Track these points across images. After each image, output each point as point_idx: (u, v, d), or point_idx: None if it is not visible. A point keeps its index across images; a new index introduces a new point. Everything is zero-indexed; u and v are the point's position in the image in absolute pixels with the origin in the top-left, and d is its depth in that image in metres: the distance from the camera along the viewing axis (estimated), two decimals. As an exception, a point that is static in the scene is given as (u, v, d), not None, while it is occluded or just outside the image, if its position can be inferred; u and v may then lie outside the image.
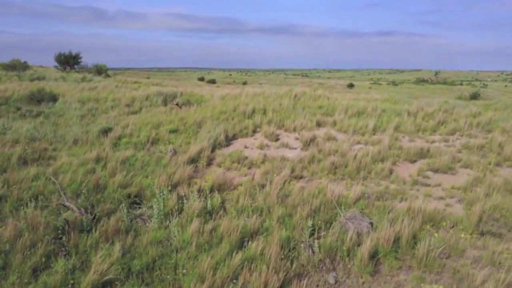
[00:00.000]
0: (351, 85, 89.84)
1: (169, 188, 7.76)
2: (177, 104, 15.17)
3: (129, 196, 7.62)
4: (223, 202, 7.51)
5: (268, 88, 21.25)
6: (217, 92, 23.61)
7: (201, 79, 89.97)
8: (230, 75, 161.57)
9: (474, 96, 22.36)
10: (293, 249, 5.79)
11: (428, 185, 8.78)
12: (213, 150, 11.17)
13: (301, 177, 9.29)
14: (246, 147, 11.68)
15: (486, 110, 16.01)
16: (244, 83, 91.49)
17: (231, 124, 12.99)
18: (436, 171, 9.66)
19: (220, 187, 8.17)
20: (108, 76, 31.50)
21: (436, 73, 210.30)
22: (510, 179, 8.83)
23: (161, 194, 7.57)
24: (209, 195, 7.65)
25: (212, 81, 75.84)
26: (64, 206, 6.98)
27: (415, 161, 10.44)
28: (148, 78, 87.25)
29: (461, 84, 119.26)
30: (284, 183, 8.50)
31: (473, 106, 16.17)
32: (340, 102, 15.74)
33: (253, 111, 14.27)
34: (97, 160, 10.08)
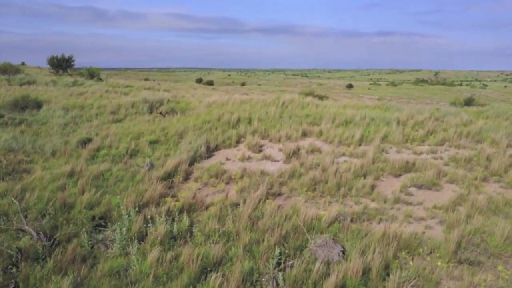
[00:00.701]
0: (350, 86, 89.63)
1: (137, 208, 7.43)
2: (160, 113, 14.84)
3: (93, 218, 7.28)
4: (191, 225, 7.17)
5: (256, 95, 20.92)
6: (207, 98, 23.28)
7: (199, 80, 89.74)
8: (229, 75, 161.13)
9: (469, 102, 22.03)
10: (256, 282, 5.45)
11: (410, 204, 8.43)
12: (192, 163, 10.84)
13: (279, 194, 8.95)
14: (227, 159, 11.35)
15: (478, 118, 15.64)
16: (243, 84, 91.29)
17: (214, 134, 12.66)
18: (420, 187, 9.32)
19: (191, 208, 7.83)
20: (100, 79, 31.16)
21: (436, 73, 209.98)
22: (495, 196, 8.48)
23: (128, 216, 7.25)
24: (178, 217, 7.33)
25: (210, 83, 75.54)
26: (23, 230, 6.64)
27: (399, 175, 10.10)
28: (147, 79, 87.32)
29: (461, 85, 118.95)
30: (259, 202, 8.16)
31: (465, 114, 15.82)
32: (328, 110, 15.40)
33: (238, 120, 13.93)
34: (71, 174, 9.76)
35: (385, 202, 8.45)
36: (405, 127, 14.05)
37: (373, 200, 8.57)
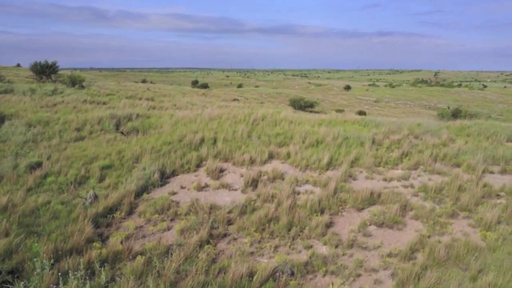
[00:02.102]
0: (347, 87, 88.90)
1: (53, 260, 6.63)
2: (122, 132, 14.07)
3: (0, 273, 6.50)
4: (112, 280, 6.39)
5: (231, 109, 20.20)
6: (186, 109, 22.53)
7: (195, 82, 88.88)
8: (227, 76, 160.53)
9: (456, 113, 21.21)
10: None
11: (365, 248, 7.64)
12: (142, 193, 10.08)
13: (224, 235, 8.16)
14: (182, 187, 10.58)
15: (459, 135, 14.82)
16: (239, 86, 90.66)
17: (173, 158, 11.87)
18: (380, 225, 8.53)
19: (117, 257, 7.05)
20: (82, 87, 30.38)
21: (436, 74, 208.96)
22: (459, 239, 7.69)
23: (42, 268, 6.48)
24: (100, 270, 6.55)
25: (205, 86, 74.50)
26: None
27: (362, 209, 9.31)
28: (144, 81, 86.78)
29: (460, 85, 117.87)
30: (197, 247, 7.39)
31: (445, 131, 15.00)
32: (301, 128, 14.59)
33: (202, 141, 13.14)
34: (5, 208, 9.00)
35: (337, 246, 7.66)
36: (380, 147, 13.26)
37: (325, 244, 7.77)
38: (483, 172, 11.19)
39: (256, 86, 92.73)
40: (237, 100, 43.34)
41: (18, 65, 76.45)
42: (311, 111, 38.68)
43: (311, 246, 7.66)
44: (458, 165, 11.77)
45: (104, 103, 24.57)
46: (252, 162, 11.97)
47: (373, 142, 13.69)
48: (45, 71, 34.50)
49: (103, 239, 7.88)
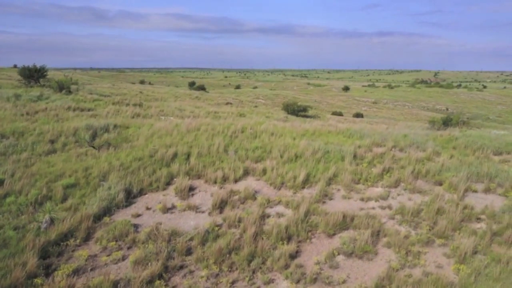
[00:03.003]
0: (346, 88, 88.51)
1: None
2: (93, 146, 13.53)
3: None
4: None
5: (219, 115, 19.69)
6: (165, 118, 22.02)
7: (192, 84, 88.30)
8: (226, 77, 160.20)
9: (447, 121, 20.67)
10: None
11: (329, 284, 7.11)
12: (104, 215, 9.55)
13: (180, 267, 7.63)
14: (148, 208, 10.06)
15: (446, 147, 14.27)
16: (237, 87, 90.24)
17: (141, 175, 11.34)
18: (350, 255, 7.98)
19: (57, 297, 6.53)
20: (69, 92, 29.84)
21: (436, 74, 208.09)
22: (431, 272, 7.16)
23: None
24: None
25: (201, 87, 73.92)
26: None
27: (333, 234, 8.78)
28: (142, 82, 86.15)
29: (459, 86, 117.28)
30: (147, 283, 6.86)
31: (432, 144, 14.45)
32: (280, 141, 14.05)
33: (175, 156, 12.60)
34: (-46, 235, 8.47)
35: (299, 281, 7.12)
36: (361, 162, 12.73)
37: (286, 278, 7.24)
38: (466, 191, 10.65)
39: (254, 87, 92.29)
40: (231, 103, 42.70)
41: (15, 66, 75.50)
42: (304, 115, 38.11)
43: (271, 281, 7.13)
44: (440, 183, 11.23)
45: (89, 110, 24.00)
46: (225, 179, 11.45)
47: (355, 156, 13.15)
48: (33, 75, 33.96)
49: (50, 272, 7.35)
